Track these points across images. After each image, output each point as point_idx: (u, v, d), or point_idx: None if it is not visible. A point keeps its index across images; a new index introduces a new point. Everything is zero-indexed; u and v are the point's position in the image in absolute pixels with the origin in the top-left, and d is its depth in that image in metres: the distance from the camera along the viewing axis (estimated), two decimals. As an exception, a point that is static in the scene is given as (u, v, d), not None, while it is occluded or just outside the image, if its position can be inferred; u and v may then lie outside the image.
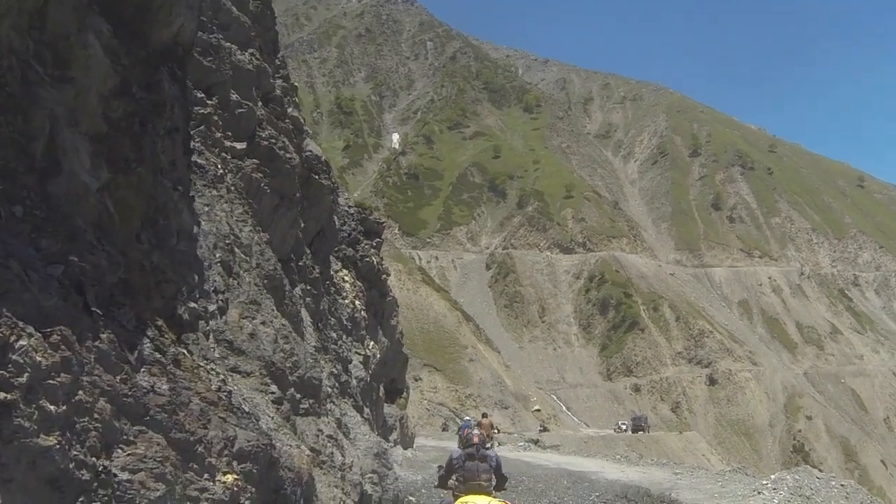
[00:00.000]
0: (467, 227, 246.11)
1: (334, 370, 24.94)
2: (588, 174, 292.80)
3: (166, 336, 8.36)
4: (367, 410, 33.24)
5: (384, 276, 47.70)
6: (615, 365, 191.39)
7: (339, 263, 37.42)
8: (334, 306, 31.37)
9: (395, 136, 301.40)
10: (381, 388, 46.01)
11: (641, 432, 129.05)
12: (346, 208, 42.30)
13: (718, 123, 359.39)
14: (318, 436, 16.41)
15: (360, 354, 35.28)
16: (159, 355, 7.88)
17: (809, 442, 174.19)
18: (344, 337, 32.25)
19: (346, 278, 37.29)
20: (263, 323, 14.99)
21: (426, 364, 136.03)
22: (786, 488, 24.98)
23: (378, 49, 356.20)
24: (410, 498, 29.36)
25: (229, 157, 17.81)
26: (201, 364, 9.24)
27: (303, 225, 23.79)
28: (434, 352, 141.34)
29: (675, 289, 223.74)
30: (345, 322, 33.56)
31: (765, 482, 27.17)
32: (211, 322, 12.82)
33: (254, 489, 8.44)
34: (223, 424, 8.34)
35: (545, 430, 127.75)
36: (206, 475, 7.81)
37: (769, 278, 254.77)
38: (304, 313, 22.46)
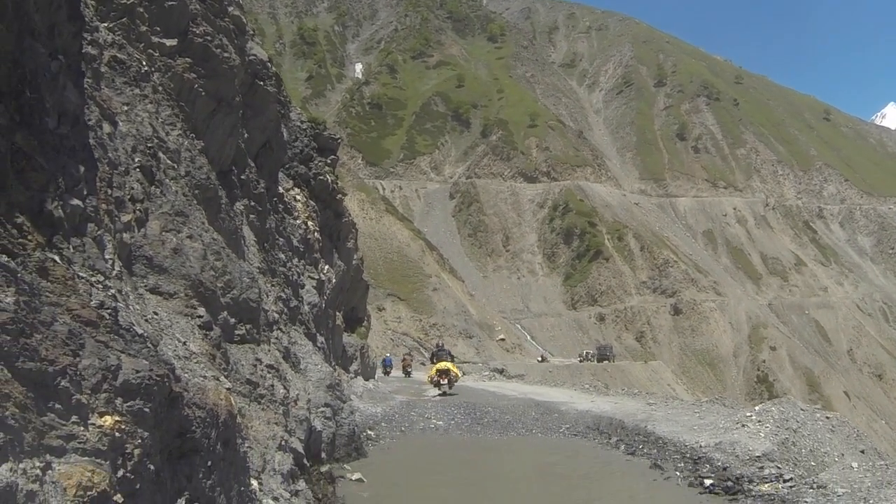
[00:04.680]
0: (431, 156, 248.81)
1: (282, 294, 23.20)
2: (552, 103, 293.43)
3: (29, 238, 6.58)
4: (320, 339, 31.53)
5: (340, 195, 45.69)
6: (579, 294, 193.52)
7: (291, 182, 35.62)
8: (283, 226, 29.44)
9: (359, 66, 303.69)
10: (340, 317, 44.43)
11: (606, 361, 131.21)
12: (298, 123, 40.28)
13: (684, 54, 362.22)
14: (255, 366, 14.64)
15: (313, 279, 33.61)
16: (7, 259, 6.13)
17: (773, 372, 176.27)
18: (295, 260, 30.55)
19: (298, 197, 35.48)
20: (190, 237, 13.22)
21: (389, 294, 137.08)
22: (771, 421, 23.64)
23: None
24: (369, 432, 27.89)
25: (157, 54, 15.92)
26: (82, 275, 7.45)
27: (246, 135, 22.02)
28: (397, 281, 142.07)
29: (639, 218, 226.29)
30: (296, 244, 31.77)
31: (748, 414, 25.80)
32: (125, 235, 11.13)
33: (146, 433, 6.73)
34: (102, 350, 6.60)
35: (545, 359, 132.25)
36: (74, 417, 6.07)
37: (734, 209, 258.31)
38: (247, 231, 20.76)
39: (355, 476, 19.25)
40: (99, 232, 8.61)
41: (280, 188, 31.15)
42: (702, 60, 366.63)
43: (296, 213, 33.75)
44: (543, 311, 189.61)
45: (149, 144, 13.39)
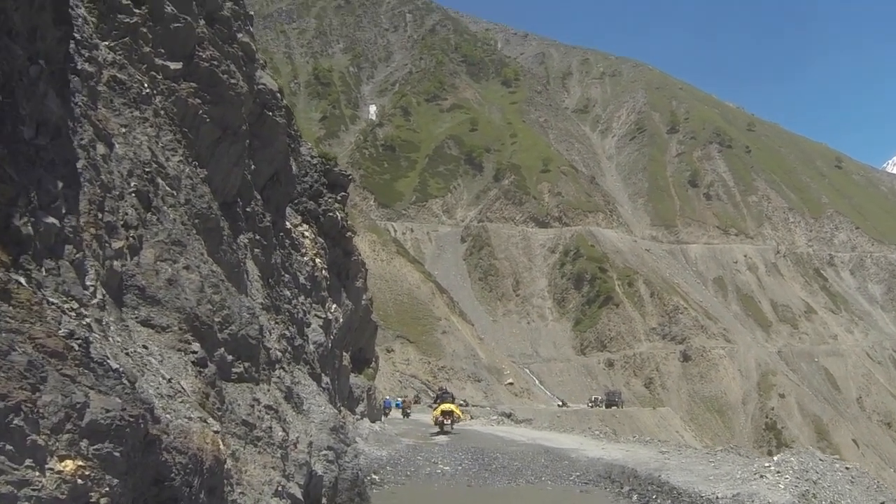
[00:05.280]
0: (443, 199, 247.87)
1: (286, 332, 22.38)
2: (565, 149, 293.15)
3: (-9, 256, 5.86)
4: (325, 379, 30.61)
5: (349, 233, 44.66)
6: (589, 339, 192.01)
7: (299, 217, 34.87)
8: (290, 262, 28.56)
9: (373, 108, 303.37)
10: (347, 357, 43.49)
11: (615, 407, 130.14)
12: (309, 158, 39.51)
13: (697, 101, 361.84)
14: (252, 406, 13.84)
15: (319, 318, 32.61)
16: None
17: (782, 420, 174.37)
18: (301, 297, 29.63)
19: (307, 234, 34.68)
20: (187, 268, 12.50)
21: (399, 335, 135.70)
22: (791, 471, 22.83)
23: (357, 20, 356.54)
24: (373, 476, 27.28)
25: (160, 76, 15.21)
26: (53, 301, 6.70)
27: (253, 167, 21.30)
28: (407, 323, 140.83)
29: (650, 264, 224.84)
30: (302, 281, 30.87)
31: (766, 464, 24.96)
32: (115, 262, 10.42)
33: (115, 480, 5.96)
34: (67, 386, 5.88)
35: (565, 404, 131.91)
36: (28, 461, 5.34)
37: (745, 256, 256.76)
38: (251, 266, 20.01)
39: None
40: (78, 255, 7.91)
41: (288, 223, 30.40)
42: (714, 107, 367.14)
43: (303, 250, 32.88)
44: (553, 355, 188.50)
45: (146, 169, 12.74)
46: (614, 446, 41.21)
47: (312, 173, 38.53)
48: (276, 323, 21.25)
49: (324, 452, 19.38)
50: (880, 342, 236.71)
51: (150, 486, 6.92)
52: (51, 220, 7.12)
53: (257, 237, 21.50)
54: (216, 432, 9.41)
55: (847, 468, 24.89)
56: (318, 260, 34.90)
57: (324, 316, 33.64)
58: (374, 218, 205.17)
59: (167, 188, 13.51)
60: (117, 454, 6.08)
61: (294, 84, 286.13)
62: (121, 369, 7.03)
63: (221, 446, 9.22)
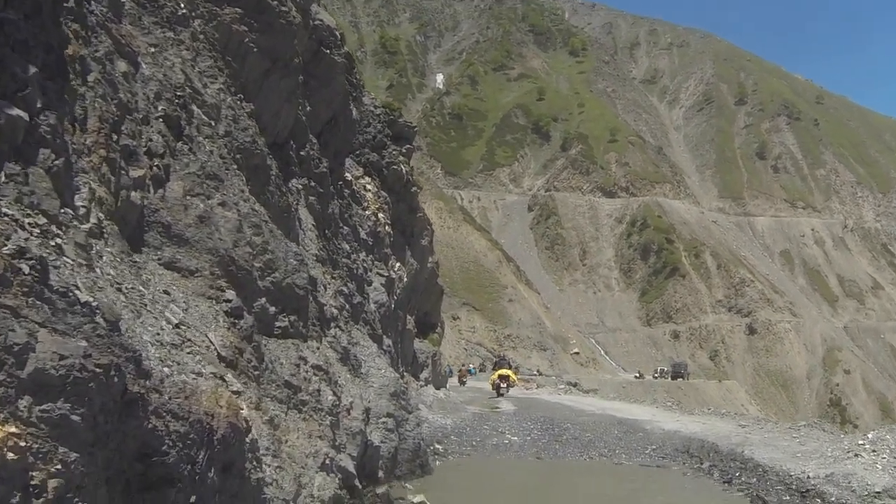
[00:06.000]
0: (510, 168, 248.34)
1: (344, 289, 20.96)
2: (633, 119, 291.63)
3: None
4: (387, 342, 28.94)
5: (415, 188, 43.03)
6: (654, 310, 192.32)
7: (361, 169, 33.27)
8: (349, 214, 27.09)
9: (440, 77, 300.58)
10: (411, 321, 42.00)
11: (681, 379, 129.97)
12: (371, 108, 37.62)
13: (765, 72, 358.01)
14: (298, 366, 12.25)
15: (382, 276, 31.10)
16: None
17: (846, 396, 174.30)
18: (363, 254, 28.25)
19: (369, 186, 33.17)
20: (223, 205, 10.94)
21: (465, 303, 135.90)
22: (888, 450, 21.05)
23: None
24: (437, 446, 25.92)
25: (200, -1, 13.64)
26: (8, 211, 5.12)
27: (308, 108, 19.71)
28: (473, 291, 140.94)
29: (717, 236, 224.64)
30: (363, 236, 29.44)
31: (861, 442, 23.16)
32: (133, 193, 9.03)
33: (73, 455, 4.35)
34: (6, 320, 4.20)
35: (642, 375, 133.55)
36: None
37: (812, 230, 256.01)
38: (305, 214, 18.51)
39: (417, 499, 17.10)
40: (58, 161, 6.29)
41: (348, 175, 28.94)
42: (782, 79, 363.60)
43: (365, 204, 31.46)
44: (618, 326, 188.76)
45: (178, 93, 11.27)
46: (690, 419, 39.60)
47: (375, 124, 36.71)
48: (333, 278, 19.81)
49: (383, 420, 18.10)
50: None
51: (132, 463, 5.33)
52: (16, 112, 5.53)
53: (312, 184, 19.96)
54: (236, 393, 7.76)
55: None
56: (380, 215, 33.39)
57: (386, 274, 32.10)
58: (441, 186, 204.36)
59: (203, 117, 12.00)
60: (76, 418, 4.49)
61: (361, 53, 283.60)
62: (94, 304, 5.38)
63: (244, 411, 7.58)
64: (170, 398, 5.90)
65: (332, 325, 17.10)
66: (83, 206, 6.81)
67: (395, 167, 37.40)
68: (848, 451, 22.14)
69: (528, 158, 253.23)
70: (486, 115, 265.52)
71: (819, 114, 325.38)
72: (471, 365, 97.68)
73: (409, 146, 41.72)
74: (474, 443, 28.74)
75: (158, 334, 7.18)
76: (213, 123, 12.25)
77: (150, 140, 9.88)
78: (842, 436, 29.62)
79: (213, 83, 12.96)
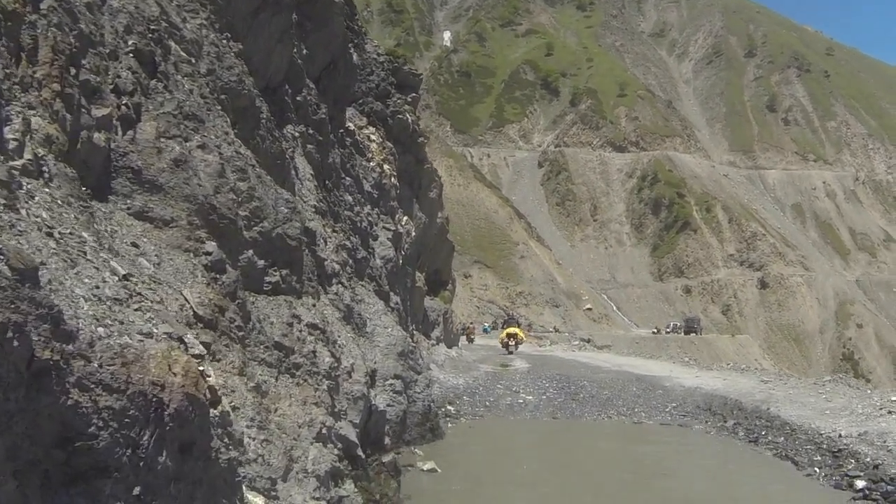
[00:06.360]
0: (519, 124, 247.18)
1: (347, 243, 19.86)
2: (642, 73, 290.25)
3: None
4: (395, 299, 27.70)
5: (421, 138, 41.67)
6: (666, 265, 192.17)
7: (365, 119, 32.18)
8: (352, 164, 25.75)
9: (447, 34, 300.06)
10: (421, 278, 41.05)
11: (694, 334, 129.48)
12: (375, 56, 36.52)
13: (775, 24, 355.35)
14: (290, 325, 11.15)
15: (388, 230, 29.79)
16: None
17: (859, 350, 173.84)
18: (368, 207, 27.09)
19: (373, 137, 32.02)
20: (203, 147, 9.81)
21: (476, 261, 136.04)
22: (923, 408, 20.10)
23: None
24: (448, 407, 25.22)
25: (177, -77, 12.48)
26: None
27: (305, 51, 18.64)
28: (485, 248, 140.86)
29: (728, 190, 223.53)
30: (368, 189, 28.22)
31: (894, 398, 22.18)
32: (97, 134, 8.04)
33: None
34: None
35: (659, 331, 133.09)
36: None
37: (823, 182, 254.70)
38: (302, 163, 17.37)
39: (427, 466, 16.37)
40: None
41: (351, 124, 27.82)
42: (792, 31, 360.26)
43: (369, 155, 30.31)
44: (630, 281, 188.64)
45: (152, 27, 10.08)
46: (709, 374, 38.72)
47: (379, 72, 35.47)
48: (335, 231, 18.69)
49: (390, 382, 17.19)
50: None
51: (50, 450, 4.28)
52: None
53: (310, 131, 18.82)
54: (197, 356, 6.62)
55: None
56: (386, 166, 32.13)
57: (393, 228, 30.79)
58: (451, 144, 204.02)
59: (182, 54, 10.91)
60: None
61: (367, 12, 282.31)
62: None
63: (210, 378, 6.47)
64: (100, 366, 4.79)
65: (335, 281, 16.12)
66: (14, 140, 5.78)
67: (400, 116, 36.03)
68: (880, 408, 21.18)
69: (537, 114, 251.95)
70: (494, 72, 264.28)
71: (830, 66, 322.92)
72: (485, 323, 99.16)
73: (414, 94, 40.25)
74: (487, 403, 28.08)
75: (98, 287, 5.99)
76: (193, 61, 11.20)
77: (119, 77, 8.83)
78: (869, 391, 28.73)
79: (193, 18, 11.90)
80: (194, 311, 7.81)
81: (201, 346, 7.09)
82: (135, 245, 7.90)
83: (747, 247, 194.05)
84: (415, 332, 34.96)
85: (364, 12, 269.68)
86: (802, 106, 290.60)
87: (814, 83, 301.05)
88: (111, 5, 9.31)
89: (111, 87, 8.61)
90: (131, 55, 9.25)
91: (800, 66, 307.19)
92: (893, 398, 22.41)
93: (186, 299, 7.76)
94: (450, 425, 22.42)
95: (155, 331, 6.13)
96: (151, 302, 6.76)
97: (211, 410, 6.27)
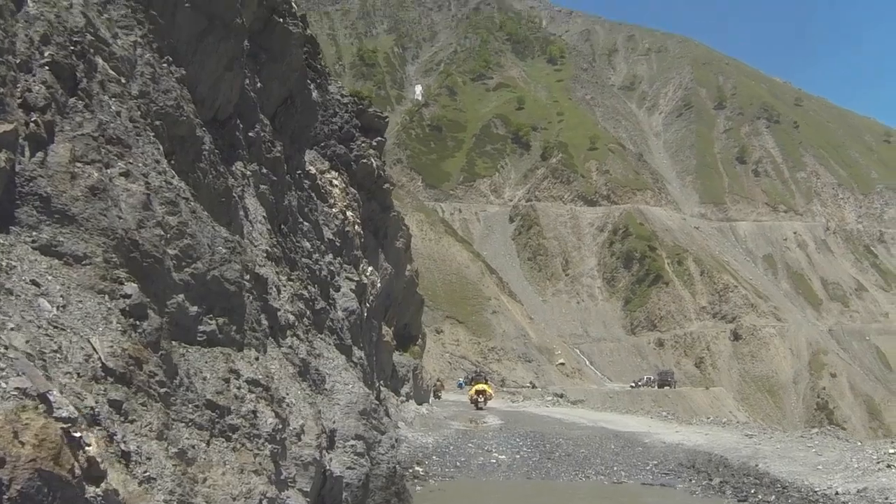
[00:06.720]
0: (491, 179, 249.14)
1: (305, 292, 18.62)
2: (612, 126, 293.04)
3: None
4: (358, 353, 26.14)
5: (387, 185, 40.75)
6: (639, 319, 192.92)
7: (327, 163, 31.07)
8: (310, 208, 24.50)
9: (418, 88, 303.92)
10: (390, 332, 39.95)
11: (667, 387, 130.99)
12: (339, 97, 35.46)
13: (744, 76, 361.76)
14: (227, 381, 9.90)
15: (351, 280, 28.45)
16: None
17: (833, 400, 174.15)
18: (329, 256, 25.82)
19: (336, 182, 30.88)
20: (126, 175, 8.60)
21: (448, 316, 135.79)
22: (921, 460, 19.01)
23: (400, 0, 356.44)
24: (416, 468, 24.00)
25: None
26: None
27: (259, 84, 17.46)
28: (456, 303, 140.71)
29: (699, 242, 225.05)
30: (329, 236, 27.09)
31: (892, 451, 21.11)
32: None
33: None
34: None
35: (637, 385, 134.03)
36: None
37: (794, 233, 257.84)
38: (253, 203, 16.10)
39: None
40: None
41: (312, 168, 26.66)
42: (762, 82, 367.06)
43: (331, 200, 29.24)
44: (603, 335, 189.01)
45: (75, 39, 8.88)
46: (690, 429, 38.03)
47: (343, 113, 34.49)
48: (290, 279, 17.47)
49: (350, 443, 15.82)
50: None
51: None
52: None
53: (264, 170, 17.69)
54: (65, 420, 5.33)
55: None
56: (349, 213, 31.06)
57: (357, 279, 29.48)
58: (422, 199, 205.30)
59: (111, 71, 9.68)
60: None
61: (339, 66, 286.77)
62: None
63: (87, 449, 5.23)
64: None
65: (289, 333, 14.94)
66: None
67: (364, 161, 35.13)
68: (877, 462, 20.06)
69: (508, 169, 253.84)
70: (465, 126, 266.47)
71: (798, 116, 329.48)
72: (460, 378, 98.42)
73: (379, 138, 39.21)
74: (458, 463, 27.14)
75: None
76: (123, 81, 10.06)
77: (29, 91, 7.67)
78: (859, 443, 27.71)
79: (127, 34, 10.77)
80: (103, 363, 6.60)
81: (72, 409, 5.73)
82: (35, 283, 6.71)
83: (719, 299, 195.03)
84: (382, 388, 33.88)
85: (336, 65, 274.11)
86: (772, 157, 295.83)
87: (783, 134, 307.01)
88: (28, 12, 8.20)
89: (19, 100, 7.45)
90: (46, 68, 8.11)
91: (769, 118, 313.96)
92: (891, 451, 21.28)
93: (94, 348, 6.54)
94: (418, 488, 21.42)
95: (2, 386, 4.84)
96: (3, 349, 5.47)
97: (89, 489, 5.00)
